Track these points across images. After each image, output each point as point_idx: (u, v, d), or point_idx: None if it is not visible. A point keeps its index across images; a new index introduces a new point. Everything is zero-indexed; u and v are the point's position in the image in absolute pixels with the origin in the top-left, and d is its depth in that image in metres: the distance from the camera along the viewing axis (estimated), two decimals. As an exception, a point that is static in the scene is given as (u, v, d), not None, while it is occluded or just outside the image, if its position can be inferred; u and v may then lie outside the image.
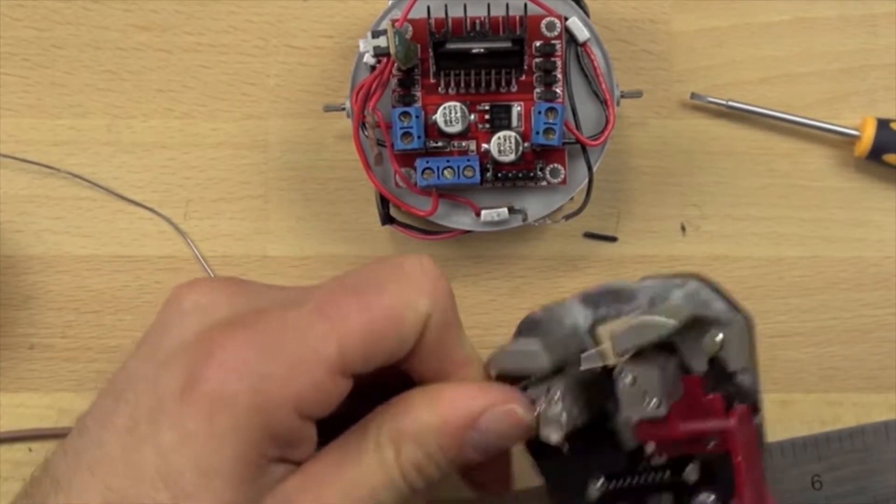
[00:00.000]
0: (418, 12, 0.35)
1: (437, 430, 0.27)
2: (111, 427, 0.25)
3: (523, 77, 0.36)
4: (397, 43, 0.33)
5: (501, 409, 0.27)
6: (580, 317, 0.28)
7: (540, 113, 0.34)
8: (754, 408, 0.28)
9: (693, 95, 0.40)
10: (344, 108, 0.37)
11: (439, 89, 0.36)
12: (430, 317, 0.27)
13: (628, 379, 0.27)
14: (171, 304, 0.27)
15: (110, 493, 0.24)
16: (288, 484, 0.26)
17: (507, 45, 0.34)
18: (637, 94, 0.37)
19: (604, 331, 0.28)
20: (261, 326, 0.26)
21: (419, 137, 0.35)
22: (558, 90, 0.36)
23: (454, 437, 0.27)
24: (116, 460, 0.25)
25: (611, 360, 0.27)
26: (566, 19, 0.35)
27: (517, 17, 0.34)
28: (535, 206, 0.37)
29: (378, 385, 0.28)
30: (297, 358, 0.25)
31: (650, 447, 0.28)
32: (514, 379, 0.28)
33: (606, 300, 0.28)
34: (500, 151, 0.35)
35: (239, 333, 0.25)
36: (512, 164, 0.35)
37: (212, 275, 0.40)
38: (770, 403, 0.39)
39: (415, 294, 0.27)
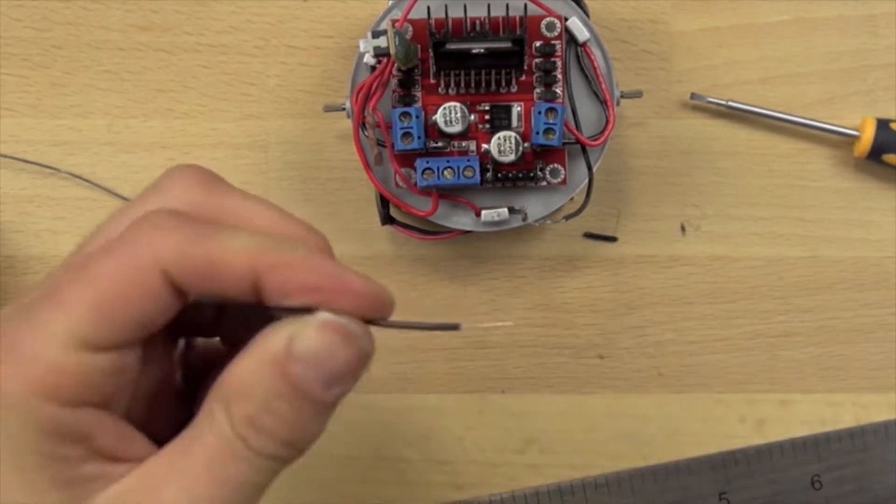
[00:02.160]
0: (418, 12, 0.35)
1: (254, 372, 0.24)
2: None
3: (523, 77, 0.36)
4: (397, 43, 0.33)
5: (308, 322, 0.24)
6: None
7: (540, 113, 0.34)
8: None
9: (693, 95, 0.40)
10: (344, 108, 0.37)
11: (439, 89, 0.36)
12: (167, 264, 0.24)
13: None
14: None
15: None
16: (122, 484, 0.24)
17: (507, 45, 0.34)
18: (637, 94, 0.37)
19: None
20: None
21: (419, 137, 0.35)
22: (558, 90, 0.36)
23: (279, 377, 0.24)
24: None
25: None
26: (566, 19, 0.35)
27: (517, 18, 0.34)
28: (535, 206, 0.37)
29: None
30: (28, 349, 0.23)
31: None
32: None
33: None
34: (500, 152, 0.35)
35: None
36: (512, 164, 0.35)
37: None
38: (770, 403, 0.39)
39: (137, 250, 0.24)
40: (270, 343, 0.24)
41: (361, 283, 0.25)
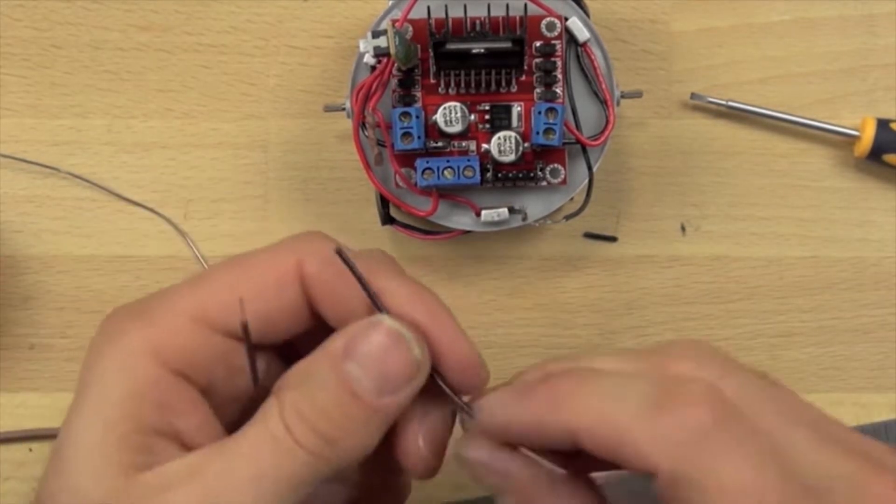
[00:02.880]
0: (418, 12, 0.35)
1: (310, 366, 0.25)
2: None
3: (523, 77, 0.36)
4: (397, 43, 0.33)
5: (370, 324, 0.25)
6: None
7: (540, 113, 0.34)
8: None
9: (693, 95, 0.40)
10: (344, 108, 0.37)
11: (439, 89, 0.36)
12: (305, 270, 0.26)
13: None
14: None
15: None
16: (171, 465, 0.24)
17: (507, 45, 0.34)
18: (637, 94, 0.37)
19: None
20: (137, 302, 0.26)
21: (419, 137, 0.35)
22: (558, 90, 0.36)
23: (331, 371, 0.25)
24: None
25: None
26: (566, 19, 0.35)
27: (517, 18, 0.34)
28: (535, 206, 0.37)
29: None
30: (158, 311, 0.26)
31: None
32: None
33: None
34: (500, 151, 0.35)
35: (118, 312, 0.26)
36: (512, 164, 0.35)
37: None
38: (770, 403, 0.39)
39: (282, 252, 0.26)
40: (331, 342, 0.25)
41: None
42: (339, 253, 0.26)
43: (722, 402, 0.24)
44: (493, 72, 0.35)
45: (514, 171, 0.36)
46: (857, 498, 0.23)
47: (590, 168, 0.36)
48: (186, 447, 0.25)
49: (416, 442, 0.27)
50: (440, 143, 0.36)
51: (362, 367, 0.25)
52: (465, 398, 0.27)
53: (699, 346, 0.27)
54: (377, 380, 0.25)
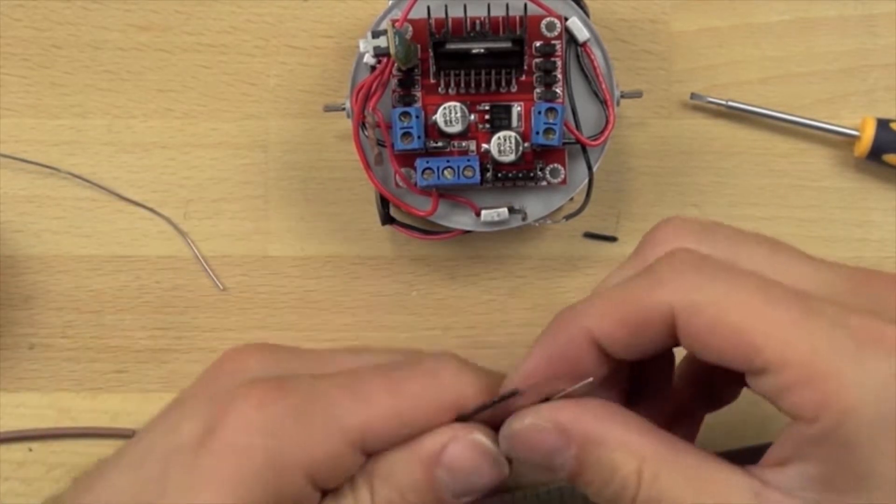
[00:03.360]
0: (418, 12, 0.35)
1: (404, 463, 0.27)
2: (122, 464, 0.26)
3: (523, 77, 0.36)
4: (397, 43, 0.33)
5: (464, 437, 0.27)
6: None
7: (540, 113, 0.34)
8: None
9: (693, 95, 0.40)
10: (344, 108, 0.37)
11: (439, 89, 0.36)
12: (460, 407, 0.27)
13: None
14: (212, 366, 0.29)
15: None
16: None
17: (507, 45, 0.34)
18: (637, 94, 0.37)
19: None
20: (288, 388, 0.26)
21: (419, 137, 0.35)
22: (558, 90, 0.36)
23: (423, 474, 0.27)
24: (120, 493, 0.25)
25: None
26: (566, 19, 0.35)
27: (517, 18, 0.34)
28: (535, 206, 0.37)
29: None
30: (318, 426, 0.26)
31: None
32: None
33: None
34: (500, 151, 0.35)
35: (265, 391, 0.26)
36: (512, 164, 0.35)
37: (212, 275, 0.40)
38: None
39: (441, 385, 0.27)
40: (427, 443, 0.27)
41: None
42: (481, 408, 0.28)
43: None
44: (493, 72, 0.35)
45: (514, 171, 0.36)
46: None
47: (590, 168, 0.36)
48: None
49: None
50: (440, 143, 0.36)
51: (451, 475, 0.27)
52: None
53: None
54: (460, 489, 0.28)
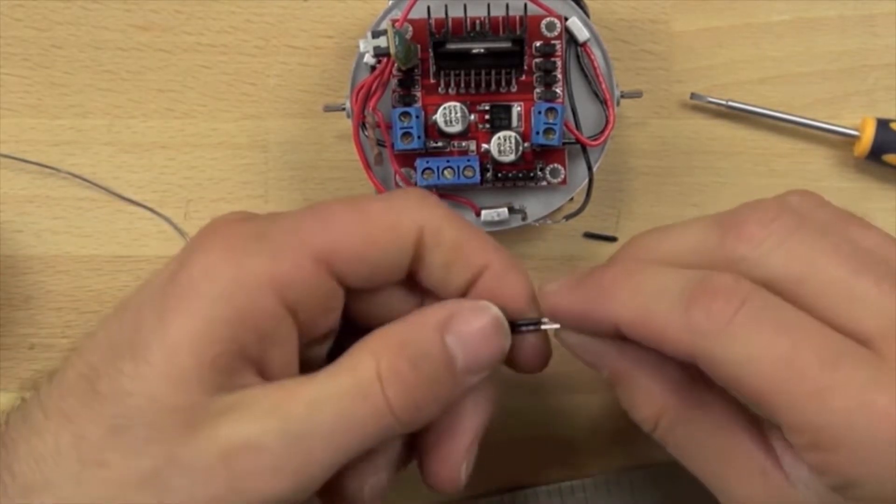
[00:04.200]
0: (418, 12, 0.35)
1: (414, 331, 0.27)
2: (106, 321, 0.26)
3: (523, 77, 0.36)
4: (397, 43, 0.33)
5: (473, 305, 0.27)
6: None
7: (540, 113, 0.34)
8: None
9: (693, 95, 0.40)
10: (344, 108, 0.37)
11: (439, 89, 0.36)
12: (423, 229, 0.27)
13: None
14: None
15: (84, 369, 0.25)
16: (251, 391, 0.25)
17: (507, 45, 0.34)
18: (637, 94, 0.37)
19: None
20: (255, 221, 0.26)
21: (419, 137, 0.35)
22: (558, 90, 0.36)
23: (434, 340, 0.26)
24: (99, 340, 0.26)
25: None
26: (566, 19, 0.35)
27: (517, 17, 0.34)
28: (535, 206, 0.37)
29: None
30: (280, 242, 0.26)
31: None
32: None
33: None
34: (500, 151, 0.35)
35: (230, 227, 0.26)
36: (512, 164, 0.35)
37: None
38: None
39: (405, 207, 0.27)
40: (437, 312, 0.27)
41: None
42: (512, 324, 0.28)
43: (745, 290, 0.25)
44: (493, 72, 0.35)
45: (514, 171, 0.36)
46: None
47: (590, 168, 0.36)
48: (265, 378, 0.26)
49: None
50: (440, 143, 0.36)
51: (462, 345, 0.27)
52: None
53: (773, 206, 0.27)
54: (470, 361, 0.27)
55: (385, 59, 0.34)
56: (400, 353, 0.26)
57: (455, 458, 0.29)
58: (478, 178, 0.35)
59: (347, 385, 0.25)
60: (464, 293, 0.28)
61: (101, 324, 0.27)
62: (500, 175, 0.36)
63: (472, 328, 0.27)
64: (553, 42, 0.36)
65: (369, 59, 0.34)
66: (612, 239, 0.40)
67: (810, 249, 0.25)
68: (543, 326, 0.29)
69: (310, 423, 0.25)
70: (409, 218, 0.27)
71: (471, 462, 0.29)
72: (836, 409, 0.23)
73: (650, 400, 0.28)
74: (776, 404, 0.24)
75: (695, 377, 0.27)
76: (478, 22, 0.35)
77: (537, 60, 0.36)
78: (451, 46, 0.34)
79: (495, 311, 0.28)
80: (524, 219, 0.36)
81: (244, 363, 0.25)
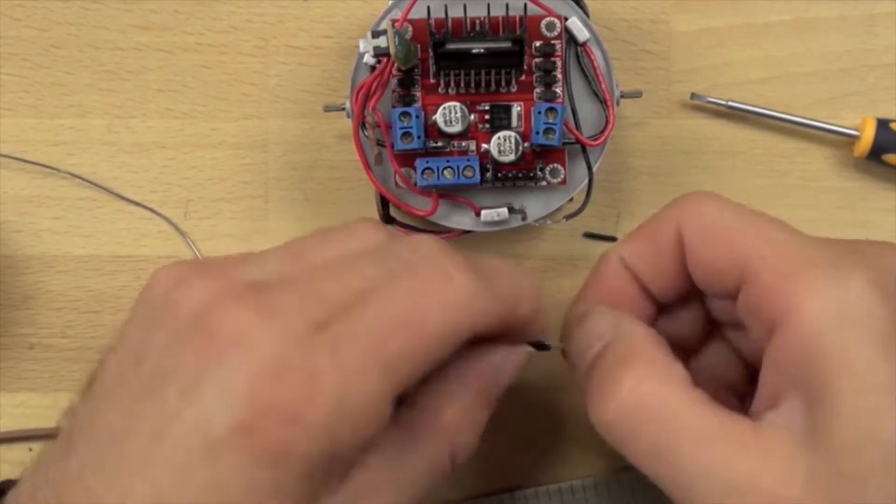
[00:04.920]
0: (418, 12, 0.35)
1: (471, 408, 0.28)
2: (160, 462, 0.23)
3: (523, 77, 0.36)
4: (397, 43, 0.33)
5: (518, 353, 0.29)
6: None
7: (540, 113, 0.34)
8: None
9: (693, 95, 0.40)
10: (344, 108, 0.37)
11: (439, 89, 0.36)
12: (473, 330, 0.26)
13: None
14: (190, 322, 0.25)
15: None
16: (339, 497, 0.25)
17: (507, 45, 0.34)
18: (637, 94, 0.37)
19: None
20: (313, 374, 0.23)
21: (419, 137, 0.35)
22: (558, 90, 0.36)
23: (486, 405, 0.29)
24: (175, 501, 0.23)
25: None
26: (566, 19, 0.35)
27: (517, 17, 0.34)
28: (535, 206, 0.37)
29: None
30: (357, 408, 0.24)
31: None
32: None
33: None
34: (500, 151, 0.35)
35: (293, 382, 0.23)
36: (512, 164, 0.35)
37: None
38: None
39: (456, 316, 0.25)
40: (487, 380, 0.29)
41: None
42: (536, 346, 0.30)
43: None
44: (493, 72, 0.35)
45: (514, 171, 0.36)
46: None
47: (589, 168, 0.36)
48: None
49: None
50: (440, 143, 0.36)
51: (500, 388, 0.29)
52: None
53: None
54: (503, 390, 0.29)
55: (385, 59, 0.34)
56: (468, 433, 0.28)
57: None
58: (478, 178, 0.35)
59: (429, 467, 0.27)
60: None
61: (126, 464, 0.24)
62: (499, 175, 0.36)
63: (509, 378, 0.29)
64: (553, 42, 0.36)
65: (369, 59, 0.34)
66: (612, 239, 0.40)
67: None
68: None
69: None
70: (468, 324, 0.26)
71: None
72: (806, 247, 0.26)
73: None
74: (746, 252, 0.26)
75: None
76: (478, 22, 0.35)
77: (537, 60, 0.36)
78: (451, 46, 0.34)
79: (530, 350, 0.30)
80: (524, 219, 0.36)
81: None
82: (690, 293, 0.30)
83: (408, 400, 0.28)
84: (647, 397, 0.26)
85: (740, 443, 0.25)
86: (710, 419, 0.25)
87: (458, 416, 0.28)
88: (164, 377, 0.24)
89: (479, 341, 0.28)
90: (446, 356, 0.26)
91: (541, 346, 0.30)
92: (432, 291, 0.25)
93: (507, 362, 0.29)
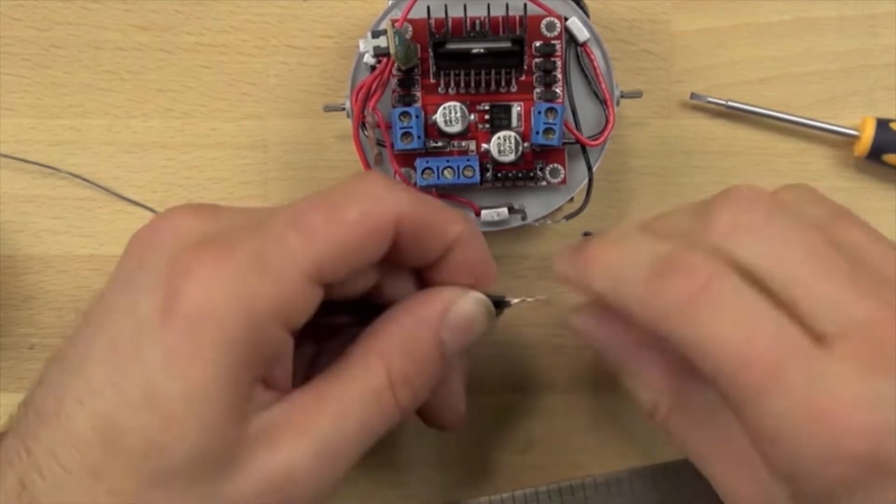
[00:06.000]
0: (418, 12, 0.35)
1: (414, 335, 0.28)
2: (93, 356, 0.25)
3: (523, 77, 0.36)
4: (397, 43, 0.33)
5: (465, 297, 0.29)
6: None
7: (540, 113, 0.34)
8: None
9: (693, 95, 0.40)
10: (344, 108, 0.37)
11: (439, 89, 0.36)
12: (397, 219, 0.27)
13: None
14: (142, 232, 0.27)
15: (98, 420, 0.24)
16: (273, 412, 0.26)
17: (507, 45, 0.34)
18: (637, 94, 0.37)
19: None
20: (237, 242, 0.25)
21: (419, 137, 0.35)
22: (558, 90, 0.36)
23: (434, 341, 0.28)
24: (102, 387, 0.25)
25: None
26: (566, 19, 0.35)
27: (517, 17, 0.34)
28: (535, 206, 0.37)
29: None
30: (278, 270, 0.25)
31: None
32: None
33: None
34: (499, 151, 0.35)
35: (217, 250, 0.25)
36: (512, 164, 0.35)
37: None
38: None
39: (376, 200, 0.27)
40: (431, 308, 0.28)
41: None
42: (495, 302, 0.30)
43: (710, 269, 0.25)
44: (493, 72, 0.35)
45: (514, 171, 0.36)
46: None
47: (589, 168, 0.36)
48: (271, 388, 0.26)
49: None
50: (440, 143, 0.36)
51: (453, 334, 0.29)
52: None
53: (748, 197, 0.27)
54: (460, 346, 0.29)
55: (385, 59, 0.34)
56: (406, 357, 0.28)
57: (455, 406, 0.32)
58: (477, 177, 0.35)
59: (364, 393, 0.27)
60: (436, 262, 0.29)
61: (81, 360, 0.26)
62: (499, 175, 0.36)
63: (461, 319, 0.29)
64: (553, 42, 0.36)
65: (369, 59, 0.34)
66: (612, 239, 0.40)
67: (780, 245, 0.25)
68: (530, 299, 0.31)
69: (336, 437, 0.26)
70: (383, 212, 0.27)
71: (464, 397, 0.32)
72: (779, 404, 0.24)
73: (649, 385, 0.28)
74: (728, 391, 0.24)
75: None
76: (478, 22, 0.35)
77: (537, 60, 0.36)
78: (451, 46, 0.34)
79: (483, 298, 0.30)
80: (524, 219, 0.36)
81: (257, 385, 0.26)
82: None
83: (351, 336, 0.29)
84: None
85: None
86: None
87: (394, 341, 0.28)
88: (110, 282, 0.27)
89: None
90: (370, 247, 0.27)
91: (500, 303, 0.31)
92: (353, 184, 0.27)
93: (454, 300, 0.29)
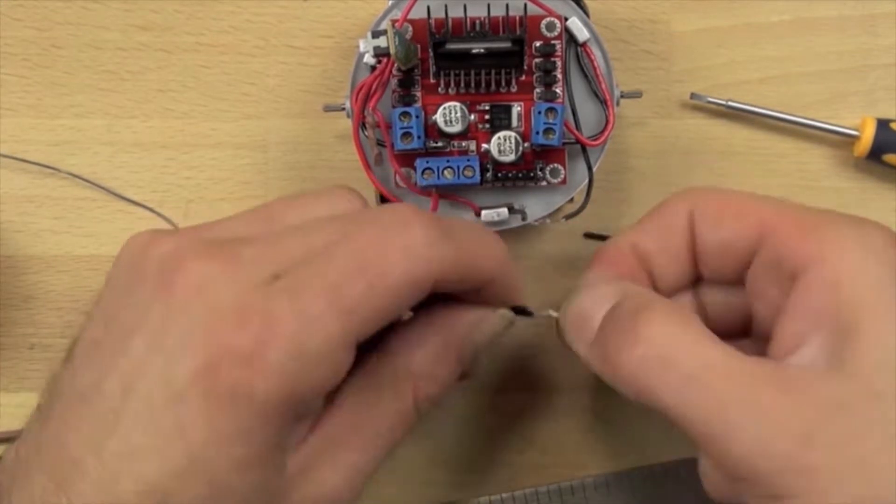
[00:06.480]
0: (418, 12, 0.35)
1: (440, 358, 0.29)
2: (128, 414, 0.24)
3: (523, 77, 0.36)
4: (397, 43, 0.33)
5: (495, 314, 0.30)
6: None
7: (540, 113, 0.34)
8: None
9: (693, 95, 0.40)
10: (344, 108, 0.37)
11: (439, 89, 0.36)
12: (440, 276, 0.26)
13: None
14: (155, 275, 0.26)
15: (144, 486, 0.24)
16: (309, 445, 0.27)
17: (507, 45, 0.34)
18: (637, 94, 0.37)
19: None
20: (275, 325, 0.24)
21: (419, 137, 0.35)
22: (558, 90, 0.36)
23: (455, 361, 0.29)
24: (145, 452, 0.24)
25: None
26: (566, 19, 0.35)
27: (517, 18, 0.34)
28: (535, 206, 0.37)
29: None
30: (317, 356, 0.25)
31: None
32: None
33: None
34: (500, 151, 0.35)
35: (253, 326, 0.24)
36: (512, 164, 0.35)
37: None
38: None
39: (420, 261, 0.26)
40: (457, 332, 0.29)
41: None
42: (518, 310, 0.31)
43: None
44: (493, 72, 0.35)
45: (514, 171, 0.36)
46: None
47: (590, 168, 0.36)
48: (303, 418, 0.27)
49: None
50: (440, 143, 0.36)
51: (475, 349, 0.30)
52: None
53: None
54: (478, 355, 0.30)
55: (385, 59, 0.34)
56: (432, 380, 0.29)
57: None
58: (478, 178, 0.35)
59: (393, 420, 0.28)
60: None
61: (115, 414, 0.24)
62: (499, 175, 0.36)
63: (487, 338, 0.30)
64: (553, 42, 0.36)
65: (369, 59, 0.34)
66: (612, 239, 0.40)
67: None
68: (554, 314, 0.32)
69: (368, 463, 0.28)
70: (425, 276, 0.26)
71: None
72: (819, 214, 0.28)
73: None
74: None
75: None
76: (478, 22, 0.35)
77: (537, 60, 0.36)
78: (451, 46, 0.34)
79: (509, 315, 0.30)
80: (524, 219, 0.36)
81: (294, 424, 0.27)
82: (685, 285, 0.32)
83: (378, 350, 0.29)
84: (673, 338, 0.27)
85: (770, 376, 0.26)
86: (736, 356, 0.26)
87: (423, 364, 0.29)
88: (132, 331, 0.25)
89: (455, 302, 0.30)
90: (407, 304, 0.27)
91: (522, 312, 0.31)
92: (391, 238, 0.26)
93: (481, 320, 0.30)
